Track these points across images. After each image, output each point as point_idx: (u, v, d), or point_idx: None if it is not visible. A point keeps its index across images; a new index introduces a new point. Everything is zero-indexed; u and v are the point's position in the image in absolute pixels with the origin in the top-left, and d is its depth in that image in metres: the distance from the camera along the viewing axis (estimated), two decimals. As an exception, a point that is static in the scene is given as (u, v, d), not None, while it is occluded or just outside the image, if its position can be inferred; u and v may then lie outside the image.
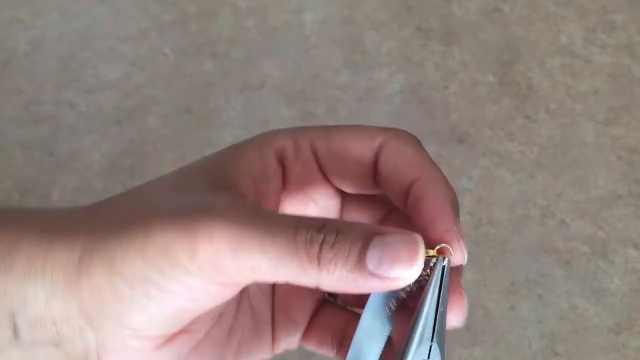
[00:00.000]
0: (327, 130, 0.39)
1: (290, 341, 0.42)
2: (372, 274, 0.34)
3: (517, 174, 0.80)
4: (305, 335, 0.42)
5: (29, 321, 0.36)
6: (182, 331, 0.38)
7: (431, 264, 0.36)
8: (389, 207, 0.40)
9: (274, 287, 0.42)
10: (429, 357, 0.35)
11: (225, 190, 0.36)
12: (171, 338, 0.38)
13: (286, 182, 0.39)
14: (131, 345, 0.37)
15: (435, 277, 0.36)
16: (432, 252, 0.36)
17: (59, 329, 0.36)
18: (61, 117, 0.84)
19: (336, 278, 0.33)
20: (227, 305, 0.39)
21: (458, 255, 0.37)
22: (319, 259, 0.33)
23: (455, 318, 0.37)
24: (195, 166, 0.38)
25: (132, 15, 0.92)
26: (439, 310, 0.36)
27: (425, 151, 0.39)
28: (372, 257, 0.34)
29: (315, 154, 0.39)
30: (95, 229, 0.36)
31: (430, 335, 0.35)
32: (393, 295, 0.37)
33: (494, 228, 0.76)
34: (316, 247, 0.34)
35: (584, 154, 0.81)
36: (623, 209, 0.77)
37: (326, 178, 0.39)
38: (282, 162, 0.39)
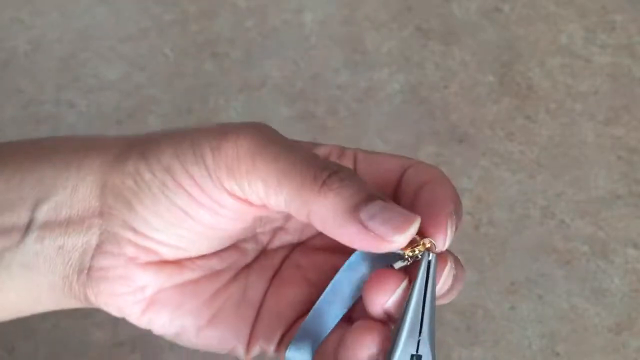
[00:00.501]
0: (372, 151, 0.41)
1: (268, 339, 0.41)
2: (361, 223, 0.35)
3: (517, 174, 0.80)
4: (284, 339, 0.42)
5: (48, 210, 0.38)
6: (174, 263, 0.39)
7: (418, 257, 0.37)
8: None
9: (274, 276, 0.42)
10: (417, 351, 0.35)
11: None
12: (161, 264, 0.39)
13: None
14: (125, 252, 0.38)
15: (421, 272, 0.36)
16: (420, 243, 0.37)
17: (70, 221, 0.38)
18: (61, 117, 0.84)
19: (327, 208, 0.35)
20: (224, 268, 0.40)
21: (439, 241, 0.38)
22: (323, 183, 0.35)
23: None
24: None
25: (132, 15, 0.92)
26: (426, 304, 0.36)
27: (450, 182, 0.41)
28: (369, 210, 0.35)
29: (355, 160, 0.41)
30: (136, 137, 0.39)
31: (419, 329, 0.35)
32: (374, 266, 0.38)
33: (493, 228, 0.76)
34: (327, 172, 0.35)
35: (584, 154, 0.81)
36: (623, 209, 0.77)
37: None
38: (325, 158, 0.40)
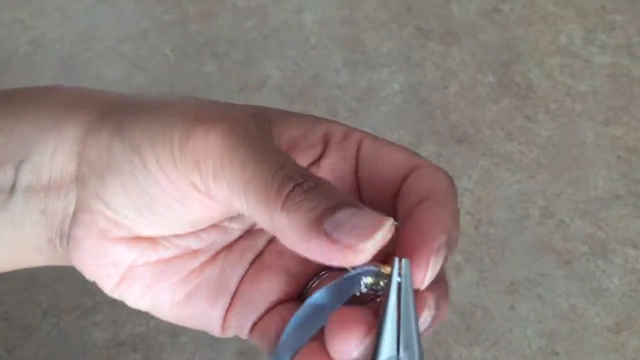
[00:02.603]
0: (379, 138, 0.38)
1: (240, 325, 0.40)
2: (325, 235, 0.32)
3: (517, 174, 0.80)
4: (256, 326, 0.40)
5: (30, 171, 0.37)
6: (148, 239, 0.38)
7: (379, 285, 0.33)
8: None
9: (254, 260, 0.40)
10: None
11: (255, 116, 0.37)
12: (133, 239, 0.38)
13: (320, 162, 0.38)
14: (97, 223, 0.37)
15: (392, 286, 0.32)
16: (384, 269, 0.33)
17: (51, 186, 0.37)
18: (61, 117, 0.85)
19: (291, 222, 0.32)
20: (201, 248, 0.39)
21: (418, 275, 0.33)
22: (287, 196, 0.32)
23: (420, 320, 0.34)
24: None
25: (133, 15, 0.92)
26: (402, 318, 0.32)
27: (455, 192, 0.37)
28: (335, 219, 0.32)
29: (359, 149, 0.38)
30: (119, 101, 0.38)
31: (395, 347, 0.32)
32: (352, 291, 0.35)
33: (493, 228, 0.76)
34: (290, 185, 0.33)
35: (583, 154, 0.81)
36: (622, 208, 0.77)
37: (356, 174, 0.38)
38: (325, 142, 0.38)
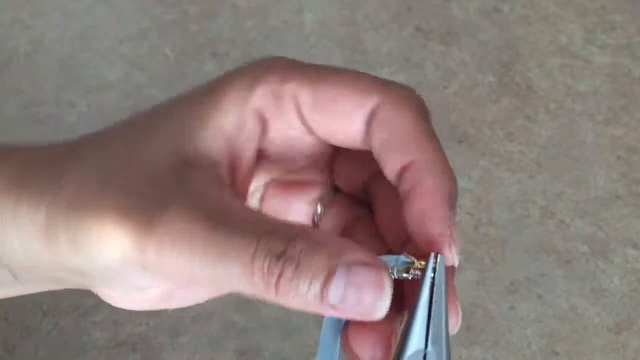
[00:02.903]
0: (316, 80, 0.34)
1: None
2: (334, 307, 0.31)
3: (517, 174, 0.80)
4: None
5: (17, 265, 0.36)
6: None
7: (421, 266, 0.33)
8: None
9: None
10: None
11: (189, 168, 0.33)
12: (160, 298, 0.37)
13: (267, 137, 0.35)
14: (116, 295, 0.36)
15: (426, 280, 0.32)
16: (418, 264, 0.33)
17: (47, 270, 0.36)
18: (61, 117, 0.85)
19: (295, 305, 0.31)
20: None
21: (449, 261, 0.33)
22: (276, 287, 0.31)
23: (450, 325, 0.34)
24: (166, 119, 0.35)
25: (133, 15, 0.92)
26: (433, 313, 0.33)
27: (427, 121, 0.35)
28: (335, 293, 0.31)
29: (298, 109, 0.34)
30: (58, 198, 0.35)
31: (424, 342, 0.32)
32: None
33: (493, 228, 0.76)
34: (273, 278, 0.31)
35: (583, 154, 0.81)
36: (622, 208, 0.77)
37: (312, 131, 0.35)
38: (262, 118, 0.35)
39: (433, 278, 0.32)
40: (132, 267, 0.32)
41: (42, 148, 0.37)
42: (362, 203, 0.37)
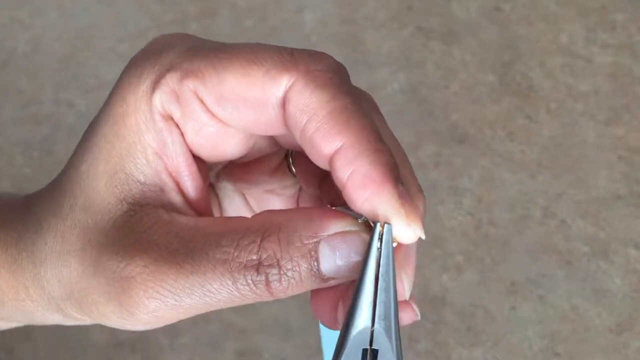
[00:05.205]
0: (217, 67, 0.31)
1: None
2: (335, 278, 0.30)
3: (518, 174, 0.79)
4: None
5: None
6: None
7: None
8: None
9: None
10: (371, 345, 0.30)
11: (138, 213, 0.32)
12: None
13: (189, 138, 0.33)
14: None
15: (371, 253, 0.30)
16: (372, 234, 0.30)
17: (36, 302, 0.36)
18: (60, 117, 0.84)
19: (297, 292, 0.31)
20: None
21: (403, 235, 0.30)
22: (269, 291, 0.30)
23: (404, 316, 0.32)
24: (102, 181, 0.33)
25: (132, 15, 0.92)
26: (379, 288, 0.30)
27: (345, 91, 0.31)
28: (328, 268, 0.30)
29: (204, 106, 0.32)
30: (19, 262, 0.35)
31: (370, 318, 0.30)
32: None
33: (494, 228, 0.76)
34: (262, 285, 0.30)
35: (584, 154, 0.81)
36: (624, 209, 0.77)
37: (228, 125, 0.32)
38: (174, 123, 0.33)
39: (380, 249, 0.30)
40: (124, 326, 0.32)
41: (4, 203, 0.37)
42: None
